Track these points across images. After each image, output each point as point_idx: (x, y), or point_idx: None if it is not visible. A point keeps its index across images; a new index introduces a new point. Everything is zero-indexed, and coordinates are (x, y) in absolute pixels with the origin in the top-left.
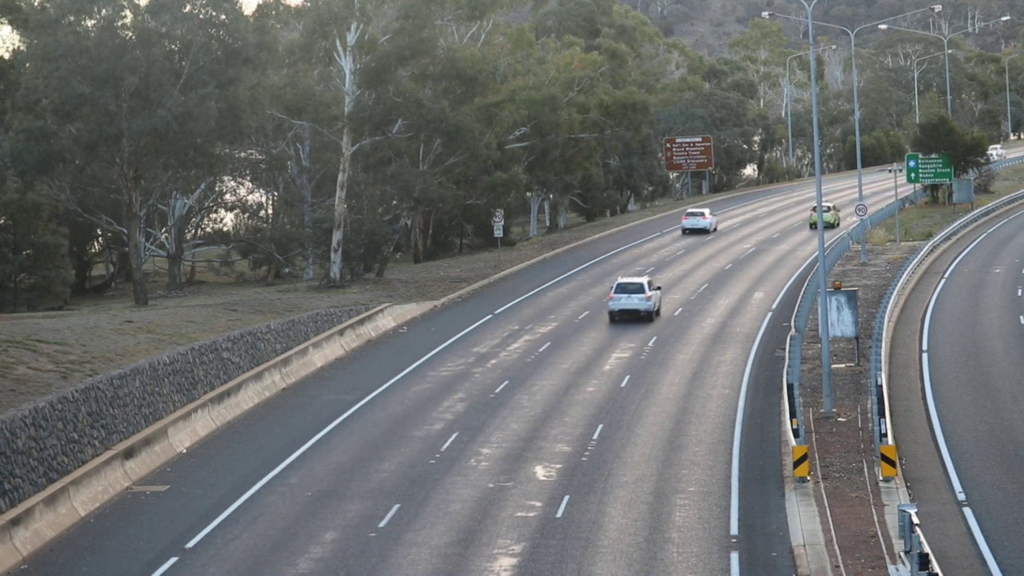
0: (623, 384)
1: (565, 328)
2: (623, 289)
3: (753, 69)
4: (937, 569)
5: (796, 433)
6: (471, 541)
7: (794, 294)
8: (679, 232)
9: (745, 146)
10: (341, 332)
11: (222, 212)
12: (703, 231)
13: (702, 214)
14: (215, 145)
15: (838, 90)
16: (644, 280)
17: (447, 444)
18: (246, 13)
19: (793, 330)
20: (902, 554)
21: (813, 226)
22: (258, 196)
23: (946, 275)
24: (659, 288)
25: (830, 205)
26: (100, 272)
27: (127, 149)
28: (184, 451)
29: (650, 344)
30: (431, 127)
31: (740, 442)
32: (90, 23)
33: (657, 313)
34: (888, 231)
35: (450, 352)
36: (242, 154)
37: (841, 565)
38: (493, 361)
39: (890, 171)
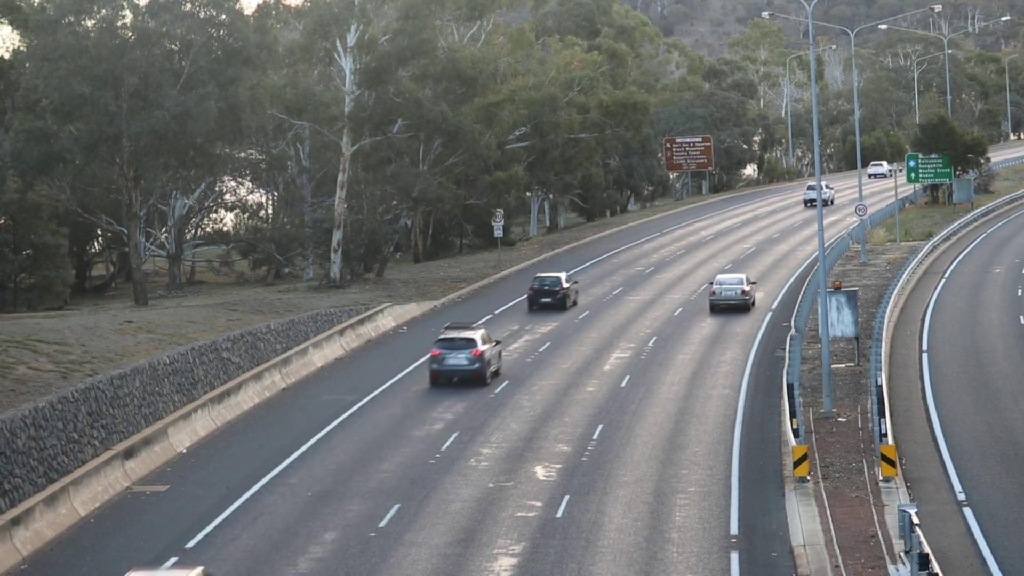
0: (623, 384)
1: (565, 328)
2: (811, 188)
3: (753, 69)
4: (937, 569)
5: (796, 433)
6: (471, 541)
7: (794, 294)
8: (682, 231)
9: (745, 146)
10: (341, 332)
11: (222, 212)
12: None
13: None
14: (215, 145)
15: (838, 90)
16: (826, 183)
17: (447, 444)
18: (246, 13)
19: (793, 330)
20: (902, 554)
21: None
22: (258, 196)
23: (946, 275)
24: (832, 188)
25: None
26: (100, 272)
27: (127, 149)
28: (184, 451)
29: (650, 344)
30: (431, 127)
31: (740, 442)
32: (90, 23)
33: (831, 202)
34: (888, 231)
35: None
36: (242, 154)
37: (841, 565)
38: None
39: (889, 171)
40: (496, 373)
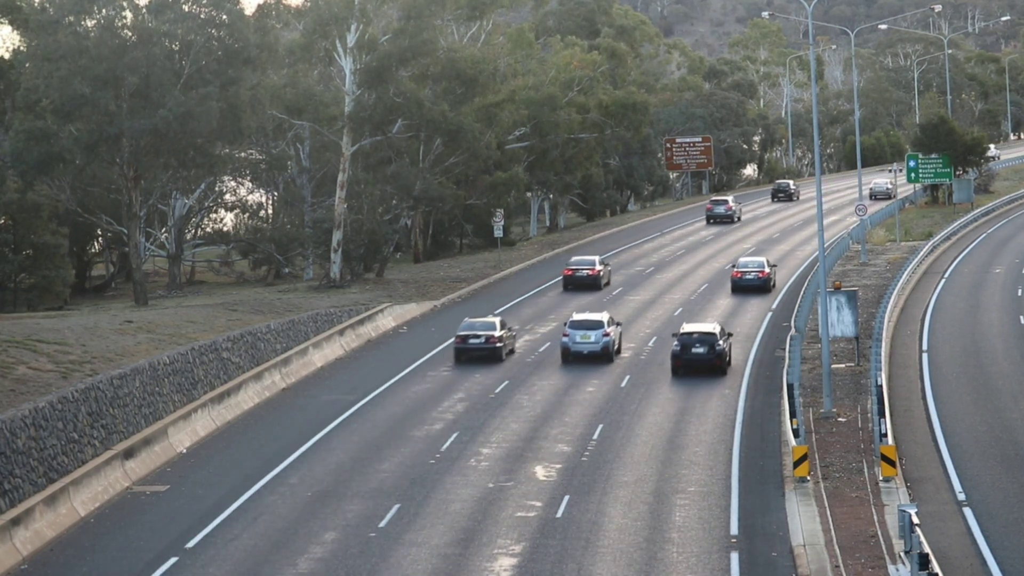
0: (623, 384)
1: None
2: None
3: (753, 69)
4: (937, 569)
5: (796, 433)
6: (471, 541)
7: (794, 294)
8: (682, 231)
9: (745, 146)
10: (341, 332)
11: (222, 212)
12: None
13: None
14: (215, 145)
15: (838, 90)
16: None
17: (447, 444)
18: (246, 13)
19: (793, 330)
20: (902, 554)
21: None
22: (258, 196)
23: (946, 275)
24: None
25: None
26: (100, 272)
27: (127, 149)
28: (184, 451)
29: (650, 344)
30: (431, 127)
31: (740, 442)
32: (90, 23)
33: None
34: (888, 231)
35: (450, 352)
36: (242, 154)
37: (841, 565)
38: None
39: (890, 171)
40: (739, 218)
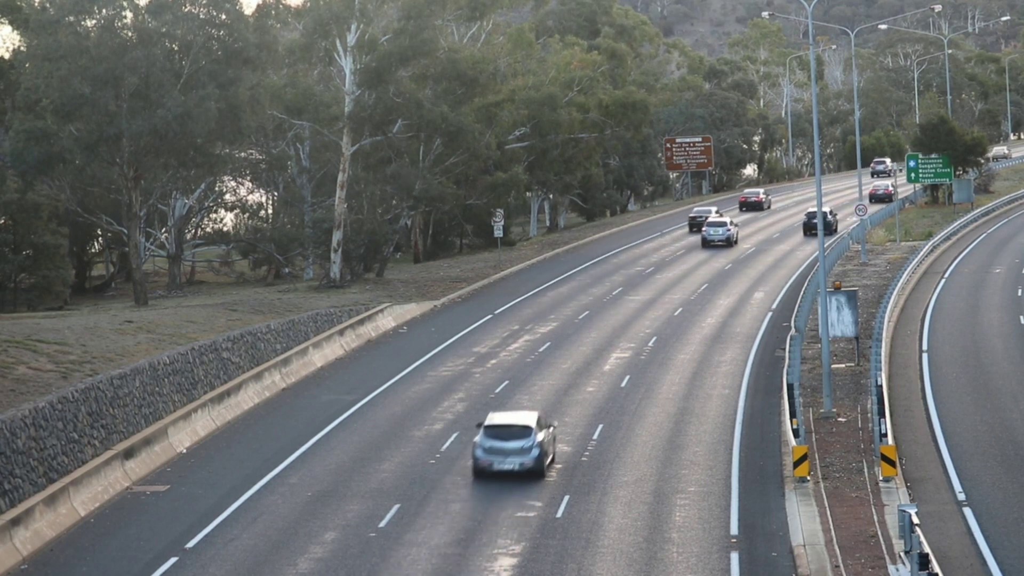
0: (623, 384)
1: (565, 328)
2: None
3: (753, 69)
4: (937, 569)
5: (796, 433)
6: (471, 541)
7: (794, 294)
8: (679, 232)
9: (745, 146)
10: (341, 332)
11: (222, 212)
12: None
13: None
14: (215, 145)
15: (838, 90)
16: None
17: (447, 444)
18: (246, 13)
19: (793, 330)
20: (902, 554)
21: None
22: (258, 196)
23: (946, 275)
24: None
25: None
26: (100, 272)
27: (127, 149)
28: (184, 451)
29: (650, 344)
30: (431, 127)
31: (740, 442)
32: (90, 23)
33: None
34: (888, 231)
35: (450, 352)
36: (242, 154)
37: (841, 565)
38: (493, 361)
39: (889, 170)
40: (894, 173)
